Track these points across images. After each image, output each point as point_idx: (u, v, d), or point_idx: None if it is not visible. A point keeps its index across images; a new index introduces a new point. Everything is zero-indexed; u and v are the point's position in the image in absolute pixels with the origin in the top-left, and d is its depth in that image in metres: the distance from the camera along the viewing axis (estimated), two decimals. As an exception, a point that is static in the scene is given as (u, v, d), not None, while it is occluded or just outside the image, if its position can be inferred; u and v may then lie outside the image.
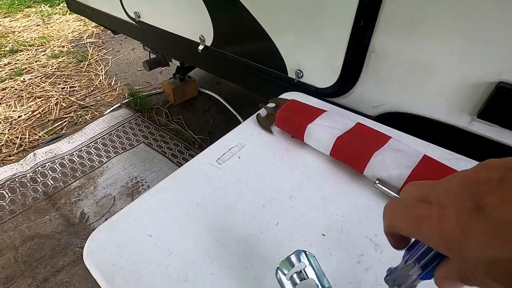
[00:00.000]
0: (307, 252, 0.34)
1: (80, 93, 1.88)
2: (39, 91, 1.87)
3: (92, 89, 1.92)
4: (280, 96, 0.68)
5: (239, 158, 0.55)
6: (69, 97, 1.84)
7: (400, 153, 0.49)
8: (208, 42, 0.93)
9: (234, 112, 1.69)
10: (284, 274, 0.32)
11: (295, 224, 0.44)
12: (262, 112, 0.64)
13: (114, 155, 1.47)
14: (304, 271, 0.33)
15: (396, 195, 0.45)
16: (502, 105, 0.49)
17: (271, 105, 0.64)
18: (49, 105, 1.77)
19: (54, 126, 1.65)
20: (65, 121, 1.68)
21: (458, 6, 0.48)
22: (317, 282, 0.33)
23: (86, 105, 1.79)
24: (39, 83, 1.95)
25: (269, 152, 0.56)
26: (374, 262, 0.39)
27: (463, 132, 0.56)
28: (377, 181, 0.47)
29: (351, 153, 0.49)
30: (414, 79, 0.59)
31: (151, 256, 0.40)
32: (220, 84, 1.98)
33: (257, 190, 0.49)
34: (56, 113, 1.73)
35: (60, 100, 1.81)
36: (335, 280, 0.37)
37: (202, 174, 0.51)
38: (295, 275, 0.33)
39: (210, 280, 0.37)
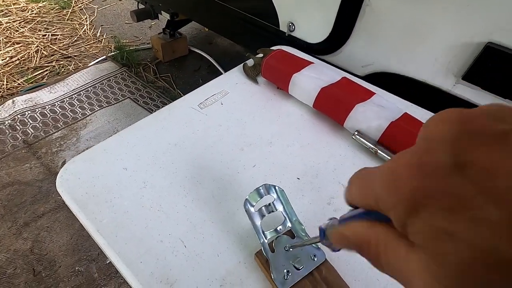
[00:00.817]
0: (277, 187, 0.35)
1: (63, 42, 1.78)
2: (18, 37, 1.76)
3: (75, 39, 1.82)
4: (270, 48, 0.66)
5: (222, 104, 0.54)
6: (50, 45, 1.74)
7: (382, 108, 0.49)
8: (199, -11, 0.87)
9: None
10: (252, 206, 0.33)
11: (272, 167, 0.44)
12: (249, 62, 0.62)
13: (98, 108, 1.43)
14: (273, 204, 0.34)
15: (373, 146, 0.46)
16: (488, 66, 0.49)
17: (259, 55, 0.62)
18: (29, 52, 1.67)
19: (35, 74, 1.57)
20: (46, 70, 1.60)
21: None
22: (284, 214, 0.34)
23: (69, 55, 1.70)
24: (18, 27, 1.82)
25: (252, 101, 0.55)
26: (343, 204, 0.40)
27: (446, 94, 0.57)
28: (356, 133, 0.48)
29: (334, 104, 0.49)
30: (406, 38, 0.58)
31: (126, 187, 0.40)
32: (212, 44, 1.91)
33: (237, 134, 0.48)
34: (36, 61, 1.64)
35: (41, 48, 1.71)
36: (305, 218, 0.38)
37: (183, 117, 0.50)
38: (263, 208, 0.34)
39: (183, 212, 0.38)
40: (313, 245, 0.33)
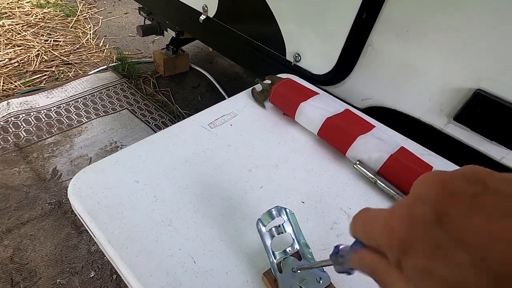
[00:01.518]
0: (287, 210, 0.37)
1: (65, 49, 1.79)
2: (19, 39, 1.76)
3: (77, 46, 1.84)
4: (277, 76, 0.70)
5: (231, 125, 0.56)
6: (51, 51, 1.75)
7: (381, 141, 0.52)
8: (211, 13, 0.92)
9: (223, 93, 1.69)
10: (264, 226, 0.35)
11: (278, 189, 0.46)
12: (258, 87, 0.65)
13: (95, 117, 1.43)
14: (283, 226, 0.36)
15: (373, 176, 0.49)
16: (477, 111, 0.54)
17: (267, 81, 0.66)
18: (29, 56, 1.67)
19: (33, 78, 1.57)
20: (45, 75, 1.60)
21: (450, 18, 0.52)
22: (293, 236, 0.36)
23: (70, 62, 1.71)
24: (20, 31, 1.83)
25: (260, 124, 0.58)
26: (345, 230, 0.42)
27: (439, 132, 0.61)
28: (357, 162, 0.51)
29: (337, 134, 0.53)
30: (402, 78, 0.63)
31: (137, 200, 0.41)
32: (212, 64, 1.96)
33: (245, 156, 0.51)
34: (36, 65, 1.64)
35: (42, 52, 1.71)
36: (309, 242, 0.40)
37: (193, 134, 0.52)
38: (273, 229, 0.35)
39: (193, 228, 0.39)
40: (319, 268, 0.35)
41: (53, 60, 1.69)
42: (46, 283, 0.90)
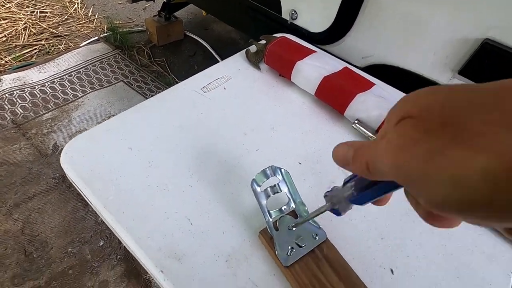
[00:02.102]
0: (282, 169, 0.36)
1: (52, 20, 1.71)
2: (4, 12, 1.68)
3: (66, 17, 1.76)
4: (272, 35, 0.66)
5: (225, 89, 0.54)
6: (39, 23, 1.67)
7: (382, 99, 0.50)
8: (200, -29, 0.85)
9: (220, 61, 1.63)
10: (259, 186, 0.34)
11: (274, 152, 0.45)
12: (252, 48, 0.62)
13: (90, 90, 1.40)
14: (278, 185, 0.35)
15: (372, 135, 0.48)
16: (484, 62, 0.51)
17: (261, 42, 0.62)
18: (17, 29, 1.61)
19: (23, 52, 1.52)
20: (35, 49, 1.54)
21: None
22: (289, 195, 0.36)
23: (59, 34, 1.64)
24: (4, 2, 1.74)
25: (255, 87, 0.56)
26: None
27: (442, 88, 0.59)
28: (356, 121, 0.49)
29: (336, 92, 0.50)
30: (406, 31, 0.59)
31: (131, 166, 0.40)
32: (208, 30, 1.88)
33: (240, 119, 0.49)
34: (24, 38, 1.58)
35: (29, 25, 1.64)
36: (306, 201, 0.40)
37: (186, 99, 0.51)
38: (269, 189, 0.35)
39: (189, 191, 0.39)
40: (315, 225, 0.35)
41: (42, 33, 1.63)
42: (58, 252, 0.94)
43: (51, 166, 1.13)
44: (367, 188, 0.20)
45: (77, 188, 0.38)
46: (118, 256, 0.96)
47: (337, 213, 0.25)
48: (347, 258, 0.33)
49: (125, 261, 0.95)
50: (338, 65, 0.55)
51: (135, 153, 0.42)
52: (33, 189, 1.06)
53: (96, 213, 1.08)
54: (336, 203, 0.24)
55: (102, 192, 0.37)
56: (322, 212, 0.27)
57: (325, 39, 0.69)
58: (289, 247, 0.33)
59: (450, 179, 0.12)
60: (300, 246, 0.33)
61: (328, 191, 0.26)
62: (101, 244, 0.98)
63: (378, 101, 0.49)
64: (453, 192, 0.12)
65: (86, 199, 0.37)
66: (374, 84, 0.53)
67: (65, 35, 1.65)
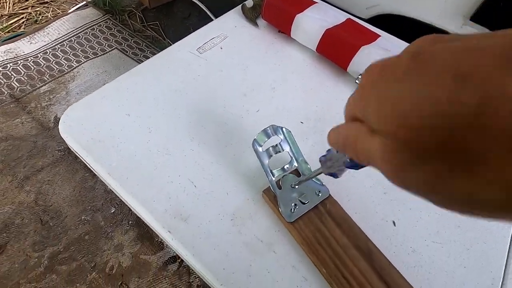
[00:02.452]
0: (284, 128, 0.35)
1: (36, -15, 1.61)
2: (-15, -21, 1.58)
3: (50, -19, 1.65)
4: (268, -13, 0.61)
5: (221, 48, 0.51)
6: (23, -11, 1.58)
7: (388, 52, 0.48)
8: None
9: (217, 22, 1.55)
10: (260, 146, 0.34)
11: (275, 112, 0.44)
12: (248, 3, 0.58)
13: (85, 60, 1.36)
14: (280, 145, 0.35)
15: (376, 90, 0.46)
16: (498, 5, 0.47)
17: (258, -5, 0.58)
18: (0, -3, 1.52)
19: (10, 23, 1.45)
20: (22, 18, 1.47)
21: None
22: (291, 154, 0.35)
23: (45, 0, 1.56)
24: (-17, -32, 1.63)
25: (253, 45, 0.53)
26: (346, 146, 0.42)
27: (451, 37, 0.55)
28: (359, 77, 0.47)
29: (338, 46, 0.48)
30: (414, -25, 0.54)
31: (130, 132, 0.40)
32: (201, -12, 1.76)
33: (239, 80, 0.47)
34: (9, 7, 1.50)
35: (13, -8, 1.55)
36: (309, 160, 0.39)
37: (181, 61, 0.49)
38: (271, 148, 0.35)
39: (191, 155, 0.39)
40: (318, 182, 0.35)
41: (26, 0, 1.54)
42: (73, 220, 0.98)
43: (55, 139, 1.14)
44: None
45: (80, 157, 0.38)
46: (130, 222, 1.00)
47: (334, 175, 0.24)
48: (350, 212, 0.34)
49: (137, 226, 0.99)
50: (341, 17, 0.51)
51: (133, 119, 0.41)
52: (41, 162, 1.08)
53: (104, 182, 1.10)
54: (332, 167, 0.24)
55: (105, 160, 0.37)
56: (319, 174, 0.27)
57: (327, -12, 0.64)
58: (293, 204, 0.33)
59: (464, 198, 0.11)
60: (303, 203, 0.33)
61: (323, 155, 0.26)
62: (113, 211, 1.02)
63: (383, 54, 0.46)
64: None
65: (89, 166, 0.37)
66: (379, 36, 0.50)
67: (51, 1, 1.56)
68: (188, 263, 0.32)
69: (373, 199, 0.37)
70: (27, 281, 0.88)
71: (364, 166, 0.20)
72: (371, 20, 0.64)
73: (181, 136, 0.40)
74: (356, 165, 0.20)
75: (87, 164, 0.38)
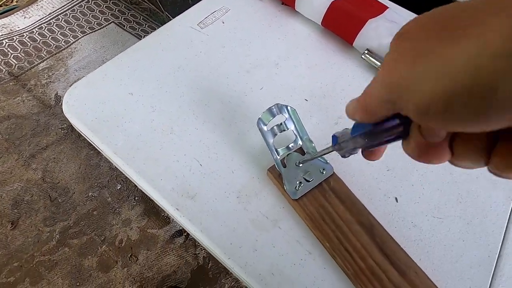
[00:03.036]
0: (289, 107, 0.35)
1: (25, -46, 1.53)
2: None
3: (39, -51, 1.56)
4: (271, -45, 0.58)
5: (223, 22, 0.50)
6: (12, -41, 1.50)
7: (395, 24, 0.46)
8: None
9: (216, -8, 1.48)
10: (265, 125, 0.34)
11: (279, 89, 0.44)
12: (250, -28, 0.55)
13: (82, 35, 1.32)
14: (285, 123, 0.35)
15: (382, 66, 0.45)
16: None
17: (260, -36, 0.55)
18: (-11, -32, 1.45)
19: (2, -4, 1.40)
20: (14, -10, 1.42)
21: None
22: (296, 133, 0.35)
23: (36, -29, 1.48)
24: None
25: (256, 19, 0.51)
26: (351, 123, 0.41)
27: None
28: (366, 52, 0.46)
29: (344, 19, 0.46)
30: None
31: (134, 112, 0.40)
32: (199, -45, 1.66)
33: (242, 56, 0.46)
34: (0, -21, 1.43)
35: (2, -38, 1.47)
36: (313, 137, 0.39)
37: (183, 37, 0.47)
38: (275, 127, 0.34)
39: (195, 134, 0.39)
40: (322, 160, 0.35)
41: (17, -29, 1.47)
42: (80, 196, 1.01)
43: (58, 116, 1.14)
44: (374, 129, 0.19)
45: (85, 136, 0.38)
46: (136, 197, 1.03)
47: (343, 154, 0.24)
48: (353, 189, 0.35)
49: (143, 201, 1.02)
50: (348, -13, 0.49)
51: (136, 98, 0.41)
52: (45, 140, 1.09)
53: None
54: (343, 147, 0.24)
55: (110, 139, 0.37)
56: (328, 153, 0.27)
57: (333, -44, 0.60)
58: (297, 182, 0.34)
59: (435, 74, 0.12)
60: (308, 181, 0.34)
61: (338, 132, 0.25)
62: (119, 187, 1.04)
63: (390, 27, 0.45)
64: (437, 86, 0.12)
65: (96, 146, 0.38)
66: (387, 7, 0.48)
67: (43, -29, 1.49)
68: (196, 238, 0.33)
69: (376, 176, 0.38)
70: (41, 253, 0.92)
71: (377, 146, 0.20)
72: (379, -10, 0.61)
73: (185, 114, 0.40)
74: (371, 139, 0.20)
75: (93, 144, 0.38)
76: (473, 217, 0.36)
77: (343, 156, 0.24)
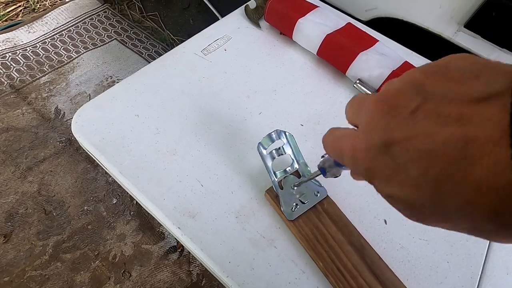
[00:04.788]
0: (287, 132, 0.38)
1: (33, -28, 1.58)
2: (-21, -36, 1.54)
3: (46, -32, 1.62)
4: (271, -12, 0.62)
5: (225, 50, 0.53)
6: (19, -24, 1.55)
7: (384, 56, 0.50)
8: None
9: (217, 14, 1.54)
10: (265, 149, 0.36)
11: (277, 114, 0.47)
12: (251, 3, 0.59)
13: (84, 50, 1.35)
14: (283, 148, 0.38)
15: (373, 95, 0.48)
16: (490, 15, 0.50)
17: (261, -4, 0.59)
18: (-4, -16, 1.49)
19: (8, 11, 1.43)
20: (19, 6, 1.46)
21: None
22: (293, 157, 0.38)
23: (43, -12, 1.53)
24: (-23, -48, 1.59)
25: (256, 47, 0.55)
26: (343, 148, 0.44)
27: (448, 42, 0.58)
28: (357, 81, 0.49)
29: (338, 51, 0.50)
30: (413, -20, 0.56)
31: (140, 133, 0.42)
32: (201, -22, 1.74)
33: (243, 82, 0.49)
34: (6, -6, 1.47)
35: (9, -21, 1.52)
36: (308, 161, 0.42)
37: (187, 63, 0.50)
38: (274, 151, 0.37)
39: (197, 155, 0.41)
40: (316, 183, 0.38)
41: (23, -12, 1.51)
42: (75, 210, 1.01)
43: (56, 130, 1.15)
44: None
45: (92, 156, 0.40)
46: (132, 212, 1.03)
47: (324, 173, 0.28)
48: (345, 211, 0.37)
49: (139, 216, 1.02)
50: (341, 21, 0.53)
51: (142, 120, 0.43)
52: (43, 153, 1.10)
53: (106, 173, 1.13)
54: (328, 168, 0.27)
55: (116, 159, 0.39)
56: (317, 176, 0.30)
57: (328, -10, 0.65)
58: (293, 204, 0.36)
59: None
60: (303, 203, 0.36)
61: (321, 161, 0.28)
62: (114, 202, 1.04)
63: (380, 59, 0.49)
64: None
65: (102, 166, 0.40)
66: (377, 40, 0.52)
67: (49, -11, 1.54)
68: (196, 256, 0.35)
69: (366, 199, 0.40)
70: (32, 268, 0.91)
71: None
72: (371, 23, 0.65)
73: (188, 137, 0.42)
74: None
75: (99, 163, 0.40)
76: (457, 240, 0.38)
77: (334, 176, 0.27)
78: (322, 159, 0.28)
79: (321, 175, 0.31)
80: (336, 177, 0.27)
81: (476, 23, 0.52)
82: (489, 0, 0.49)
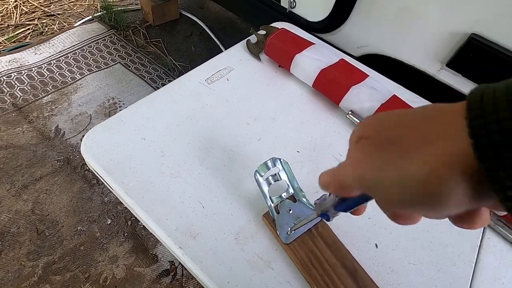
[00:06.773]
0: (281, 159, 0.40)
1: (44, -2, 1.66)
2: (-7, -11, 1.62)
3: (57, -5, 1.70)
4: (271, 25, 0.68)
5: (228, 80, 0.57)
6: (30, 1, 1.63)
7: (374, 90, 0.54)
8: (199, -46, 0.85)
9: (218, 42, 1.62)
10: (261, 176, 0.39)
11: (275, 141, 0.50)
12: (252, 38, 0.64)
13: (88, 72, 1.40)
14: (278, 174, 0.40)
15: (364, 125, 0.52)
16: (469, 56, 0.55)
17: (261, 32, 0.64)
18: (7, 8, 1.57)
19: (17, 33, 1.49)
20: (28, 29, 1.52)
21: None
22: (288, 183, 0.41)
23: (52, 13, 1.61)
24: (-8, -22, 1.67)
25: (256, 78, 0.59)
26: (336, 174, 0.47)
27: (432, 79, 0.63)
28: (350, 112, 0.53)
29: (332, 85, 0.54)
30: (399, 23, 0.62)
31: (145, 155, 0.44)
32: (204, 9, 1.85)
33: (243, 110, 0.53)
34: (16, 18, 1.54)
35: (20, 3, 1.60)
36: (304, 186, 0.45)
37: (192, 91, 0.54)
38: (270, 177, 0.40)
39: (199, 178, 0.43)
40: (312, 208, 0.40)
41: (33, 12, 1.59)
42: (69, 230, 1.00)
43: (55, 149, 1.16)
44: (347, 199, 0.24)
45: (99, 177, 0.42)
46: (125, 234, 1.02)
47: (327, 218, 0.27)
48: (339, 235, 0.39)
49: (132, 237, 1.01)
50: (335, 57, 0.58)
51: (148, 144, 0.46)
52: (40, 171, 1.10)
53: (101, 193, 1.13)
54: (325, 210, 0.27)
55: (123, 179, 0.41)
56: (313, 219, 0.32)
57: (323, 28, 0.71)
58: (289, 228, 0.38)
59: (397, 182, 0.16)
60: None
61: (317, 199, 0.29)
62: (109, 222, 1.04)
63: (370, 93, 0.53)
64: (400, 191, 0.16)
65: (108, 186, 0.42)
66: (367, 75, 0.56)
67: (58, 14, 1.62)
68: (195, 276, 0.36)
69: (358, 224, 0.42)
70: (20, 290, 0.88)
71: (350, 210, 0.25)
72: (362, 58, 0.71)
73: (191, 160, 0.45)
74: (342, 208, 0.25)
75: (106, 184, 0.42)
76: (444, 264, 0.40)
77: (328, 219, 0.27)
78: (318, 202, 0.28)
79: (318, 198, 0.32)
80: (328, 217, 0.27)
81: (457, 63, 0.57)
82: (468, 43, 0.54)
